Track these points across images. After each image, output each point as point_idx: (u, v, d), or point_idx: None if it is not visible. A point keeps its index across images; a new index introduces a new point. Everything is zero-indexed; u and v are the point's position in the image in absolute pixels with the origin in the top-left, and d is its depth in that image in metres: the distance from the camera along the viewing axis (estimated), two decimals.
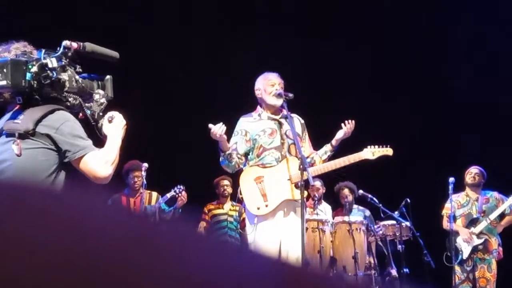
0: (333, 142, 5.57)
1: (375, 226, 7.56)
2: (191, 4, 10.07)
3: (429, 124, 10.32)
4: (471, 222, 7.83)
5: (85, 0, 9.35)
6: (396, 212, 7.65)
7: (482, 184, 8.00)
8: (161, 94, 9.52)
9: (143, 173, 7.30)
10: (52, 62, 3.01)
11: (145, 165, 7.28)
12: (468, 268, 7.73)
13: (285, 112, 5.42)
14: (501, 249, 7.82)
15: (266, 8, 10.47)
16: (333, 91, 10.23)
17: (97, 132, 3.23)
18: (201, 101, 9.54)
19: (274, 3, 10.44)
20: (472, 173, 8.03)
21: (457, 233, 7.79)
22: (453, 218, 7.90)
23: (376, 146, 5.63)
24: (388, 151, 5.67)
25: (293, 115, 5.55)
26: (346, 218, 7.13)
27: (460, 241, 7.77)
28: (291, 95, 5.44)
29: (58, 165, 3.05)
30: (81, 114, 3.21)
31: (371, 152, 5.58)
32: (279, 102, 5.44)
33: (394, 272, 7.36)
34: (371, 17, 10.37)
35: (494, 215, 7.78)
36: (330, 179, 7.41)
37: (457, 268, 7.74)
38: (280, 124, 5.48)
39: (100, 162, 3.07)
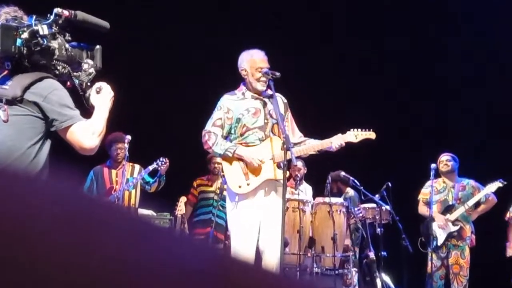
0: (324, 145, 5.49)
1: (356, 209, 7.60)
2: None
3: (415, 109, 10.38)
4: (447, 208, 7.88)
5: None
6: (377, 196, 7.69)
7: (457, 169, 8.02)
8: (149, 66, 9.48)
9: (126, 145, 7.28)
10: (43, 29, 2.98)
11: (128, 137, 7.25)
12: (443, 255, 7.80)
13: (270, 91, 5.39)
14: (474, 236, 7.90)
15: None
16: (319, 73, 10.25)
17: (84, 102, 3.21)
18: (189, 74, 9.52)
19: None
20: (444, 160, 8.06)
21: (432, 219, 7.85)
22: (429, 204, 7.99)
23: (359, 129, 5.61)
24: (371, 134, 5.66)
25: (277, 94, 5.45)
26: (326, 199, 7.13)
27: (435, 227, 7.82)
28: (277, 74, 5.35)
29: (44, 134, 3.03)
30: (68, 83, 3.18)
31: (354, 135, 5.55)
32: (264, 87, 5.42)
33: (372, 254, 7.41)
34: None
35: (471, 203, 7.85)
36: (312, 160, 7.43)
37: (432, 255, 7.81)
38: (264, 103, 5.45)
39: (87, 133, 3.06)
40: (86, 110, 3.19)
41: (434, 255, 7.82)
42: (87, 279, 0.67)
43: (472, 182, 8.04)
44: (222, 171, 5.50)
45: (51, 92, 3.01)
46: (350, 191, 8.34)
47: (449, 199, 7.95)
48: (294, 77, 8.92)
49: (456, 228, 7.76)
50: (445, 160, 8.05)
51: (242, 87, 5.52)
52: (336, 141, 5.40)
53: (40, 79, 3.00)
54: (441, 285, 7.79)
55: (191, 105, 8.93)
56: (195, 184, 8.52)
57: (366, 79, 10.31)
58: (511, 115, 9.65)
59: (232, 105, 5.42)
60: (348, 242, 7.41)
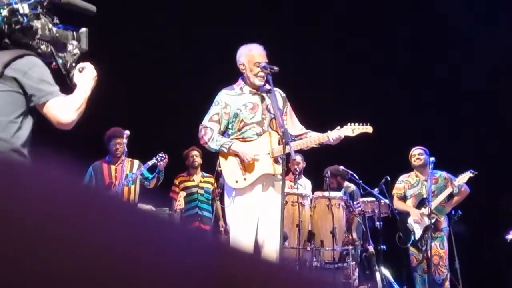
0: (321, 139, 5.46)
1: (355, 202, 7.59)
2: None
3: (414, 103, 10.38)
4: (421, 202, 7.83)
5: None
6: (376, 189, 7.68)
7: (429, 162, 7.85)
8: (148, 62, 9.52)
9: (125, 141, 7.29)
10: (23, 8, 3.01)
11: (127, 132, 7.26)
12: (423, 248, 7.72)
13: (268, 86, 5.39)
14: (448, 229, 7.84)
15: None
16: (318, 69, 10.26)
17: (68, 81, 3.24)
18: (188, 71, 9.55)
19: None
20: (416, 154, 8.05)
21: (408, 214, 7.84)
22: (404, 198, 7.97)
23: (356, 123, 5.59)
24: (368, 128, 5.62)
25: (275, 88, 5.44)
26: (325, 193, 7.12)
27: (411, 222, 7.79)
28: (276, 68, 5.34)
29: (25, 110, 3.07)
30: (54, 64, 3.21)
31: (351, 129, 5.51)
32: (262, 82, 5.42)
33: (371, 248, 7.41)
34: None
35: (443, 195, 7.80)
36: (310, 154, 7.43)
37: (412, 250, 7.81)
38: (262, 98, 5.45)
39: (64, 108, 3.09)
40: (70, 90, 3.22)
41: (414, 250, 7.82)
42: (86, 274, 0.68)
43: (444, 174, 8.00)
44: (219, 166, 5.48)
45: (31, 69, 3.04)
46: (351, 185, 8.34)
47: (423, 193, 7.89)
48: (293, 72, 8.93)
49: (432, 221, 7.69)
50: (417, 154, 8.03)
51: (240, 82, 5.52)
52: (333, 135, 5.39)
53: (21, 56, 3.04)
54: (426, 278, 7.72)
55: (190, 101, 8.95)
56: (176, 182, 8.57)
57: (366, 77, 10.32)
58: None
59: (230, 100, 5.42)
60: (354, 235, 7.42)
